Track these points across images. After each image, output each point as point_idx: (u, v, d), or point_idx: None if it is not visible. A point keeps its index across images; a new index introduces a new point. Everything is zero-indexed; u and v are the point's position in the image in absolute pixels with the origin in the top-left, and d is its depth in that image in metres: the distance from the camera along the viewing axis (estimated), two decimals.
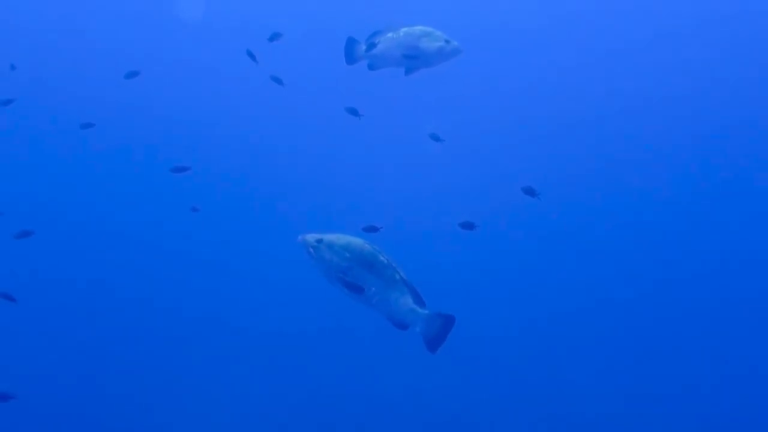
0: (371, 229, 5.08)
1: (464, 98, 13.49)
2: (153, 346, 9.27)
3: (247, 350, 9.32)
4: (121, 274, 10.38)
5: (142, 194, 11.75)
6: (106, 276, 10.32)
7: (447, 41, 5.57)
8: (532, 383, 9.38)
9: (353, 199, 11.92)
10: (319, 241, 3.84)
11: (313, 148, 13.15)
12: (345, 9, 14.05)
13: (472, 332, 7.29)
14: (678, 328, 10.62)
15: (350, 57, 5.96)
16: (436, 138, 7.40)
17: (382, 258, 3.86)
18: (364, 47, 5.90)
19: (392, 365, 9.15)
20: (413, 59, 5.67)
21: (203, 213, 8.94)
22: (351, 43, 5.92)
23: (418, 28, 5.69)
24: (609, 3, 14.48)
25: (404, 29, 5.72)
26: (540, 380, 9.46)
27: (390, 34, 5.77)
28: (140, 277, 10.38)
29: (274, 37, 6.61)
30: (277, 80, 7.55)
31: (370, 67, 5.97)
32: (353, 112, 7.65)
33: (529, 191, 5.63)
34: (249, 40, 7.77)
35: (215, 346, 9.41)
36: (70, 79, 12.98)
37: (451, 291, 8.71)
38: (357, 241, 3.90)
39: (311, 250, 3.82)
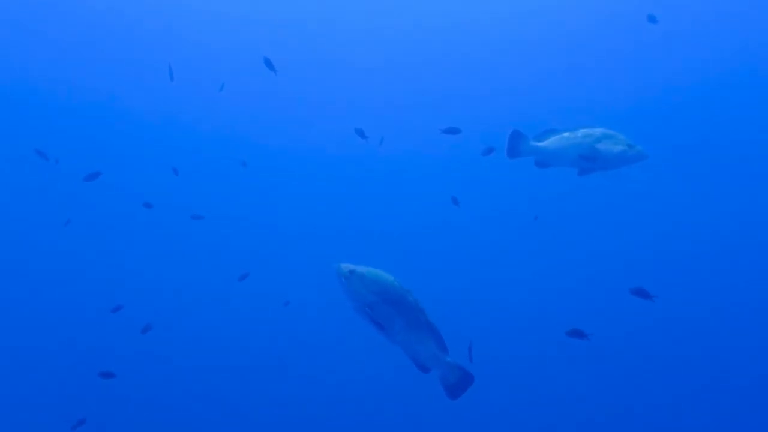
0: (468, 352, 4.72)
1: None
2: None
3: None
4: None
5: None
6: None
7: (630, 146, 5.26)
8: None
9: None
10: (352, 272, 3.88)
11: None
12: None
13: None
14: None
15: (514, 150, 5.70)
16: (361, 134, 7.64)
17: (409, 298, 3.88)
18: (532, 143, 5.66)
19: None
20: (590, 161, 5.35)
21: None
22: (516, 136, 5.67)
23: (599, 130, 5.43)
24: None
25: (583, 130, 5.47)
26: None
27: (566, 134, 5.52)
28: None
29: (452, 131, 6.53)
30: (361, 133, 7.82)
31: (538, 164, 5.69)
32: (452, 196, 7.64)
33: (641, 293, 5.33)
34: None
35: None
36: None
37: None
38: (388, 278, 3.92)
39: (343, 279, 3.88)
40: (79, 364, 8.92)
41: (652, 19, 10.24)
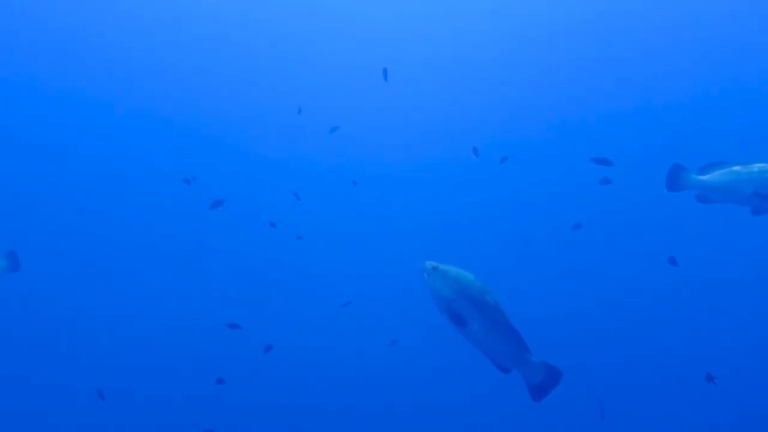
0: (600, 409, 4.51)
1: None
2: None
3: None
4: None
5: None
6: None
7: None
8: None
9: None
10: (435, 268, 3.96)
11: None
12: None
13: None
14: None
15: (674, 184, 5.29)
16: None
17: (488, 297, 3.89)
18: (695, 176, 5.21)
19: None
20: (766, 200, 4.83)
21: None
22: (677, 169, 5.28)
23: None
24: None
25: (759, 165, 4.96)
26: None
27: (737, 167, 5.03)
28: None
29: (603, 161, 6.45)
30: (475, 152, 8.41)
31: (700, 198, 5.23)
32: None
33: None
34: None
35: None
36: None
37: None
38: (468, 277, 3.97)
39: (426, 276, 3.96)
40: (201, 375, 9.26)
41: None
